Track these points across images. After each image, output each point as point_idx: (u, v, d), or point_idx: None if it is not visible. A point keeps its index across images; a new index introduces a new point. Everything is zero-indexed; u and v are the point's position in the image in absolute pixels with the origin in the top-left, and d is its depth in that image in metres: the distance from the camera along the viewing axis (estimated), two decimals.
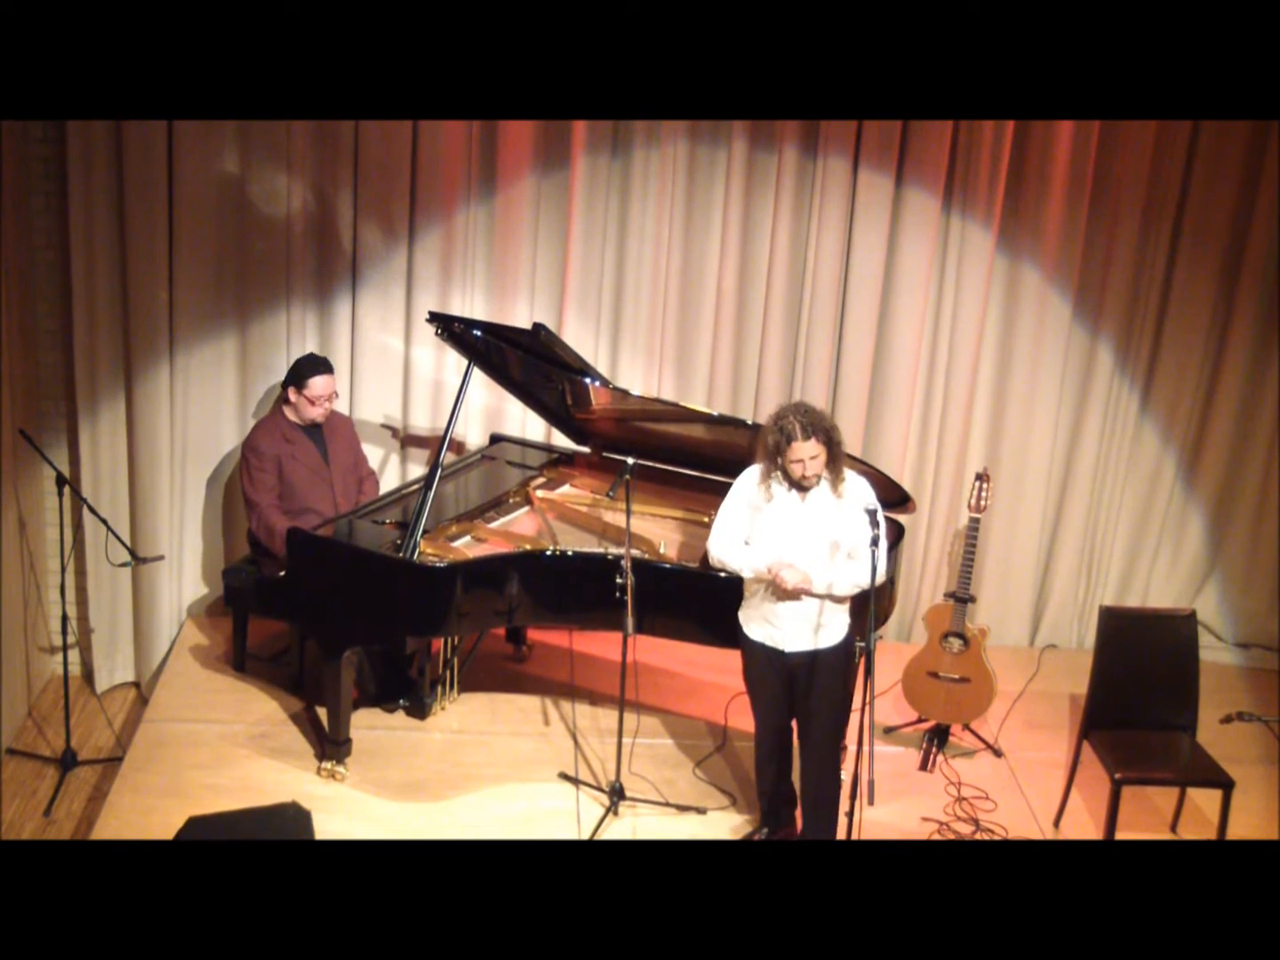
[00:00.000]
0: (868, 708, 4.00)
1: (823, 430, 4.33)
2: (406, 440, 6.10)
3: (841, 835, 4.70)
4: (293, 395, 5.46)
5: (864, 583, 4.33)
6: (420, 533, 4.88)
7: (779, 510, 4.45)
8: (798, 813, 4.83)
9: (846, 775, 4.96)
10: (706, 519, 5.36)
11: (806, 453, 4.31)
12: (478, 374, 5.40)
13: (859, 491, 4.46)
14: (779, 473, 4.43)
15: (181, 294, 5.63)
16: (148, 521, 5.81)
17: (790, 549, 4.41)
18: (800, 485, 4.39)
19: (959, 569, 5.38)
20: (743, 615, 4.61)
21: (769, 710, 4.67)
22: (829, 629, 4.46)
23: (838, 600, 4.45)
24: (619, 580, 4.66)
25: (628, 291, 5.94)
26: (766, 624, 4.51)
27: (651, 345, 6.03)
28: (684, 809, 5.00)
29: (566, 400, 5.55)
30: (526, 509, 5.49)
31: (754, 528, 4.50)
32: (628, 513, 4.75)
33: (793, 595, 4.40)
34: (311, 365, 5.47)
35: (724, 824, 4.96)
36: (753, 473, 4.53)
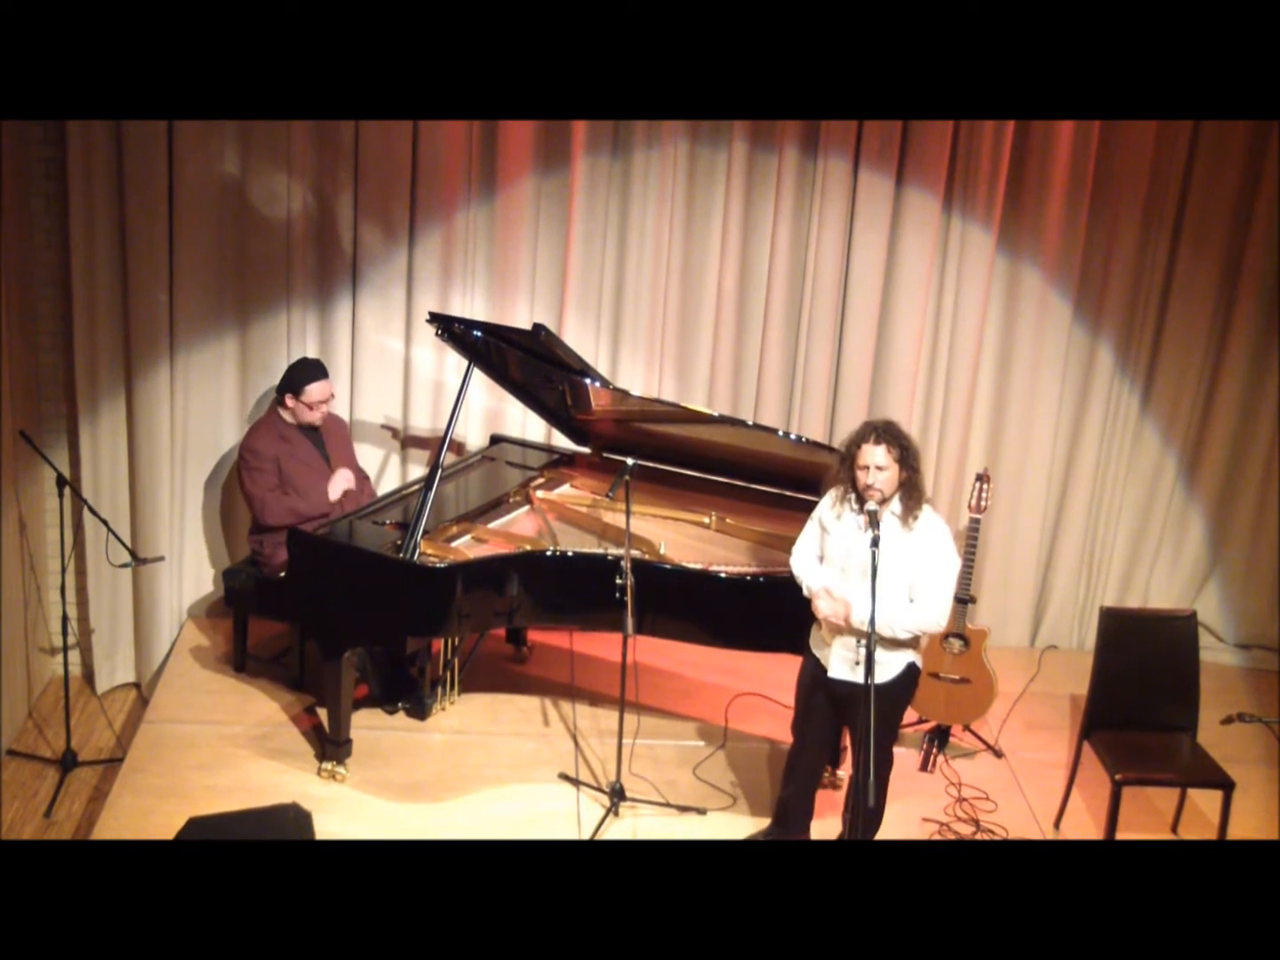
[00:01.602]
0: (868, 707, 3.98)
1: (897, 444, 4.18)
2: (407, 441, 6.10)
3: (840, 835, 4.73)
4: (289, 401, 5.46)
5: (915, 629, 4.25)
6: (420, 533, 4.88)
7: (841, 534, 4.34)
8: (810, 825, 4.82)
9: (845, 774, 4.98)
10: (706, 520, 5.37)
11: (873, 459, 4.17)
12: (478, 375, 5.40)
13: (934, 532, 4.27)
14: (853, 495, 4.31)
15: (182, 295, 5.63)
16: (148, 522, 5.81)
17: (847, 577, 4.31)
18: (868, 513, 4.21)
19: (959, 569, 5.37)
20: (812, 628, 4.52)
21: (803, 724, 4.61)
22: (882, 665, 4.24)
23: (889, 642, 4.28)
24: (619, 581, 4.66)
25: (628, 292, 5.94)
26: (822, 643, 4.45)
27: (652, 346, 6.04)
28: (684, 809, 4.99)
29: (566, 401, 5.55)
30: (526, 509, 5.49)
31: (824, 547, 4.43)
32: (627, 513, 4.75)
33: (834, 624, 4.32)
34: (307, 372, 5.46)
35: (724, 824, 4.96)
36: (835, 490, 4.42)
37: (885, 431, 4.21)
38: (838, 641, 4.37)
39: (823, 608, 4.29)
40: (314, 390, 5.43)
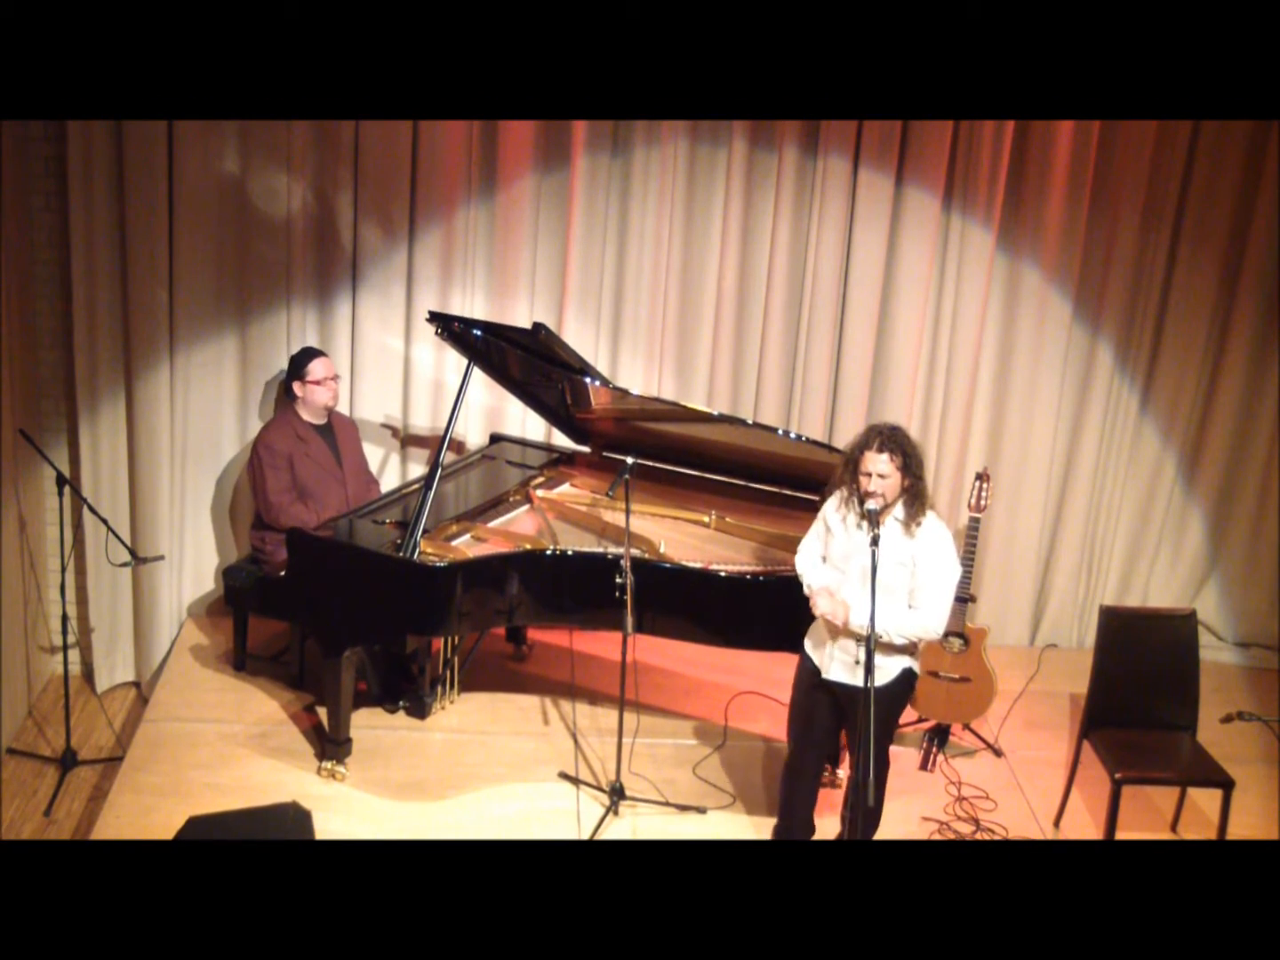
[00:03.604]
0: (867, 709, 3.98)
1: (900, 452, 4.16)
2: (406, 440, 6.10)
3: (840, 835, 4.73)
4: (298, 389, 5.49)
5: (912, 635, 4.25)
6: (420, 532, 4.88)
7: (844, 536, 4.34)
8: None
9: (844, 773, 4.98)
10: (706, 519, 5.37)
11: (875, 467, 4.15)
12: (478, 373, 5.40)
13: (936, 539, 4.26)
14: (856, 498, 4.28)
15: (182, 293, 5.63)
16: (148, 521, 5.81)
17: (847, 579, 4.31)
18: (866, 513, 4.20)
19: None
20: (809, 629, 4.52)
21: (804, 728, 4.57)
22: (879, 669, 4.17)
23: (885, 646, 4.25)
24: (619, 580, 4.66)
25: (628, 291, 5.94)
26: (818, 646, 4.44)
27: (651, 345, 6.04)
28: (684, 808, 5.00)
29: (566, 400, 5.55)
30: (526, 508, 5.49)
31: (827, 548, 4.42)
32: (627, 512, 4.76)
33: (832, 624, 4.31)
34: (305, 354, 5.55)
35: (724, 823, 4.96)
36: (840, 492, 4.40)
37: (890, 439, 4.19)
38: (834, 644, 4.37)
39: (821, 605, 4.28)
40: (316, 367, 5.48)
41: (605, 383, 5.25)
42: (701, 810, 5.00)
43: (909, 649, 4.34)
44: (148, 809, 4.79)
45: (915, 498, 4.24)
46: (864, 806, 4.00)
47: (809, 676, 4.49)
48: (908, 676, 4.39)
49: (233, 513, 6.03)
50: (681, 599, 4.91)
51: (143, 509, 5.80)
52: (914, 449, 4.24)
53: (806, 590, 4.40)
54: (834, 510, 4.41)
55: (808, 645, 4.51)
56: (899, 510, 4.25)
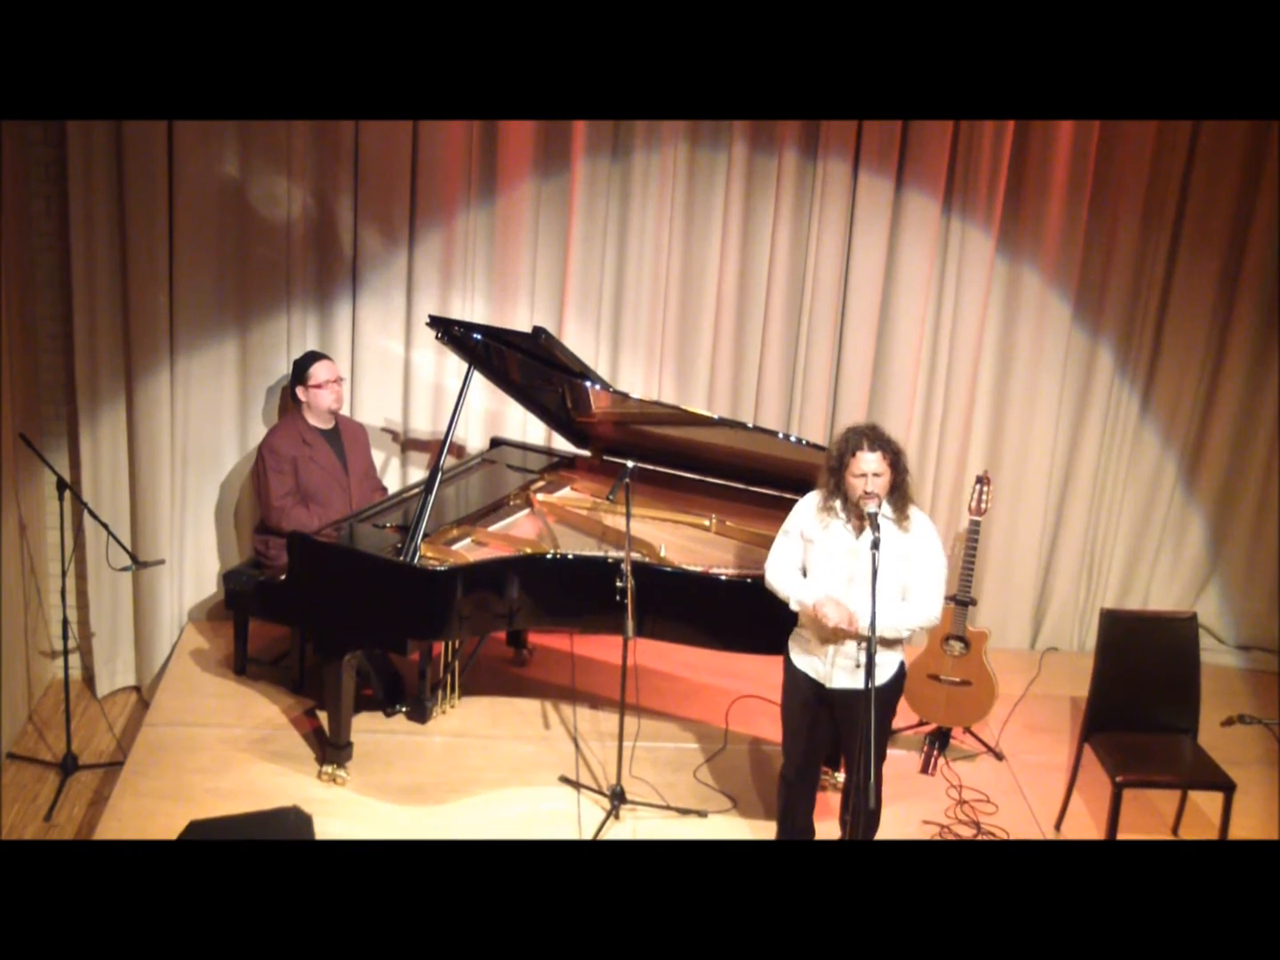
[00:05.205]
0: (868, 710, 3.97)
1: (890, 449, 4.18)
2: (407, 444, 6.10)
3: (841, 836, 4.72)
4: (302, 394, 5.49)
5: (918, 625, 4.29)
6: (421, 536, 4.88)
7: (833, 543, 4.29)
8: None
9: (842, 775, 4.98)
10: (706, 522, 5.36)
11: (870, 467, 4.14)
12: (478, 378, 5.39)
13: (925, 531, 4.30)
14: (839, 502, 4.27)
15: (182, 297, 5.63)
16: (148, 525, 5.80)
17: (840, 586, 4.27)
18: (858, 513, 4.20)
19: (960, 572, 5.36)
20: (791, 641, 4.47)
21: (794, 741, 4.54)
22: (879, 668, 4.14)
23: (886, 642, 4.25)
24: (619, 583, 4.66)
25: (628, 295, 5.94)
26: (813, 657, 4.39)
27: (652, 348, 6.04)
28: (685, 812, 4.98)
29: (567, 403, 5.54)
30: (527, 512, 5.48)
31: (808, 558, 4.37)
32: (627, 516, 4.75)
33: (837, 633, 4.27)
34: (308, 357, 5.56)
35: (725, 827, 4.95)
36: (811, 499, 4.37)
37: (877, 438, 4.20)
38: (834, 652, 4.32)
39: (833, 616, 4.20)
40: (318, 370, 5.49)
41: (605, 386, 5.25)
42: (702, 814, 4.99)
43: (901, 643, 4.38)
44: (149, 814, 4.78)
45: (902, 493, 4.27)
46: (865, 809, 3.99)
47: (807, 687, 4.43)
48: (902, 671, 4.45)
49: (233, 517, 6.03)
50: (682, 603, 4.90)
51: (143, 513, 5.80)
52: (899, 445, 4.28)
53: (796, 605, 4.33)
54: (811, 518, 4.35)
55: (796, 655, 4.45)
56: (886, 507, 4.26)
